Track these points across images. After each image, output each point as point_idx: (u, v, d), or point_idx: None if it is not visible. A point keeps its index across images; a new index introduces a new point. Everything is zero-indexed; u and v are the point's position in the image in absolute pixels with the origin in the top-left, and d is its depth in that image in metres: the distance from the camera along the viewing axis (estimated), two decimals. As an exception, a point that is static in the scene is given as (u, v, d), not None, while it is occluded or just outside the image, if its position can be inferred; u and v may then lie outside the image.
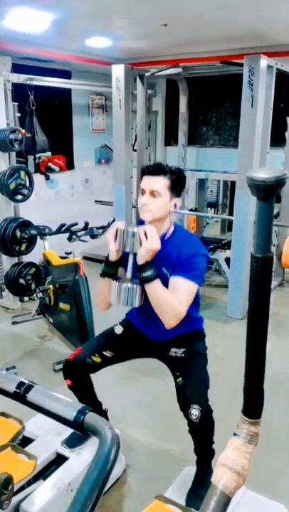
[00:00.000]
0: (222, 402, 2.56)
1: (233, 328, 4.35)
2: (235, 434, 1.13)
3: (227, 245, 5.43)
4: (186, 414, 2.00)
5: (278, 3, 3.05)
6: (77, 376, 2.32)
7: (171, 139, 6.87)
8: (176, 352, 2.20)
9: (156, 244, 1.92)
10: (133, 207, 5.53)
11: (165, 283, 2.00)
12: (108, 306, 2.16)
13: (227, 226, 6.73)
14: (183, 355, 2.19)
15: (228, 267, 5.09)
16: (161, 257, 1.99)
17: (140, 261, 1.93)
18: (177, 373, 2.13)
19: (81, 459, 2.28)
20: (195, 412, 1.97)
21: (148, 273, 1.93)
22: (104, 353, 2.27)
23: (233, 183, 5.02)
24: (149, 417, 3.07)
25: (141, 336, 2.27)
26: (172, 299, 1.97)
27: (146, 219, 2.02)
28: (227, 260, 5.27)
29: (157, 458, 2.70)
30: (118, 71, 4.97)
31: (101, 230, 4.15)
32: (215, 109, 6.41)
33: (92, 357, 2.27)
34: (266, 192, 0.94)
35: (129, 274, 2.01)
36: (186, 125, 6.37)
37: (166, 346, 2.22)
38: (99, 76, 5.81)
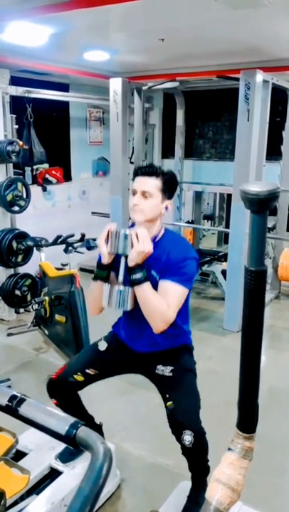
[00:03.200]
0: (218, 416, 2.54)
1: (230, 341, 4.33)
2: (229, 449, 1.12)
3: (223, 258, 5.44)
4: (179, 440, 1.96)
5: (275, 21, 3.09)
6: (62, 395, 2.25)
7: (167, 151, 6.89)
8: (164, 370, 2.11)
9: (147, 247, 1.89)
10: (129, 218, 5.52)
11: (155, 286, 1.95)
12: (100, 310, 2.12)
13: (223, 238, 6.74)
14: (170, 374, 2.09)
15: (225, 279, 5.09)
16: (151, 259, 1.95)
17: (131, 263, 1.90)
18: (166, 395, 2.06)
19: (75, 474, 2.25)
20: (188, 438, 1.93)
21: (138, 275, 1.89)
22: (87, 371, 2.20)
23: (230, 195, 5.04)
24: (144, 431, 3.04)
25: (125, 349, 2.18)
26: (161, 302, 1.92)
27: (137, 220, 2.00)
28: (223, 272, 5.27)
29: (152, 472, 2.67)
30: (116, 84, 5.01)
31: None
32: (211, 122, 6.45)
33: (74, 376, 2.19)
34: (259, 205, 0.94)
35: (121, 277, 1.98)
36: (183, 138, 6.39)
37: (152, 360, 2.13)
38: (96, 89, 5.85)
